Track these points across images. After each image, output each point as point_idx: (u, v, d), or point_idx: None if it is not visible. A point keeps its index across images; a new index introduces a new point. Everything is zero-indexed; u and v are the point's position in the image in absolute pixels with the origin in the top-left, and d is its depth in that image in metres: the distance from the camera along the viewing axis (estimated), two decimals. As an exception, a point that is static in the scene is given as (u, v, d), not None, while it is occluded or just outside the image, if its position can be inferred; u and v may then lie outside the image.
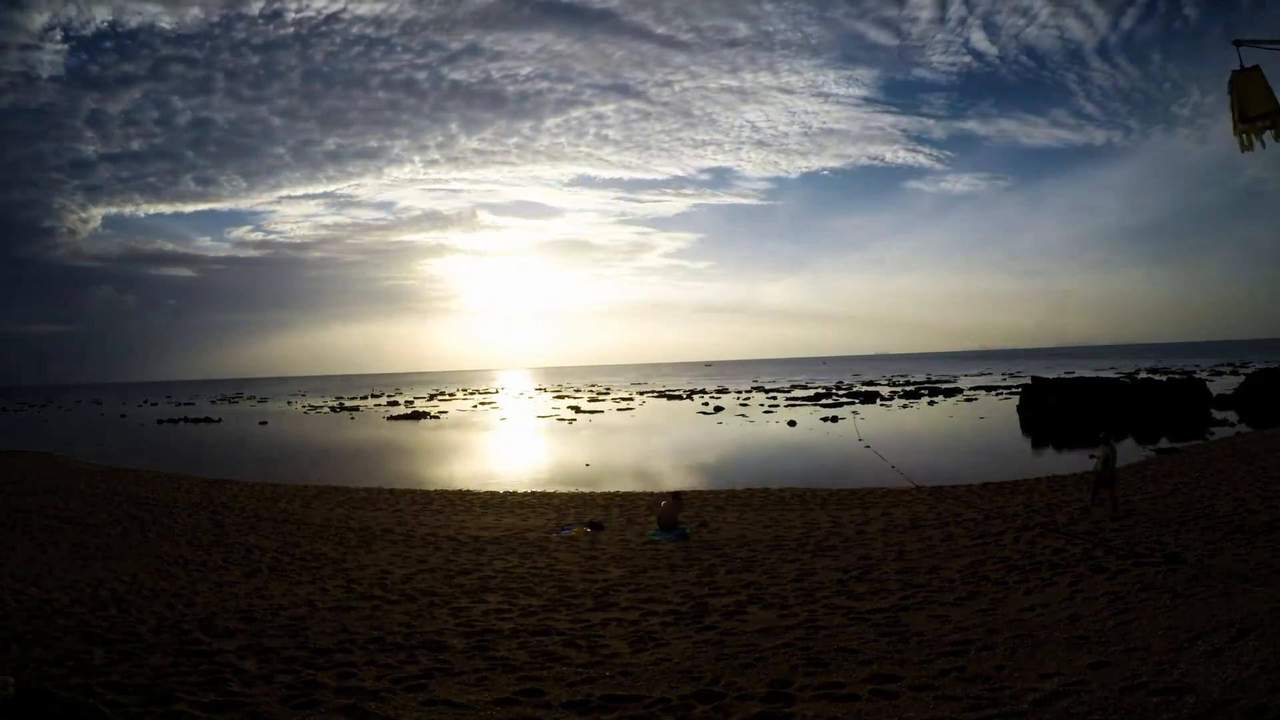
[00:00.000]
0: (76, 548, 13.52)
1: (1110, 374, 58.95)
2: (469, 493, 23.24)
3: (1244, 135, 5.26)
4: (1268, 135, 5.28)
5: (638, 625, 8.33)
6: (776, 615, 8.50)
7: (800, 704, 5.56)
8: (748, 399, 69.67)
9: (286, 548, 13.82)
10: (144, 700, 5.90)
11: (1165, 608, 7.15)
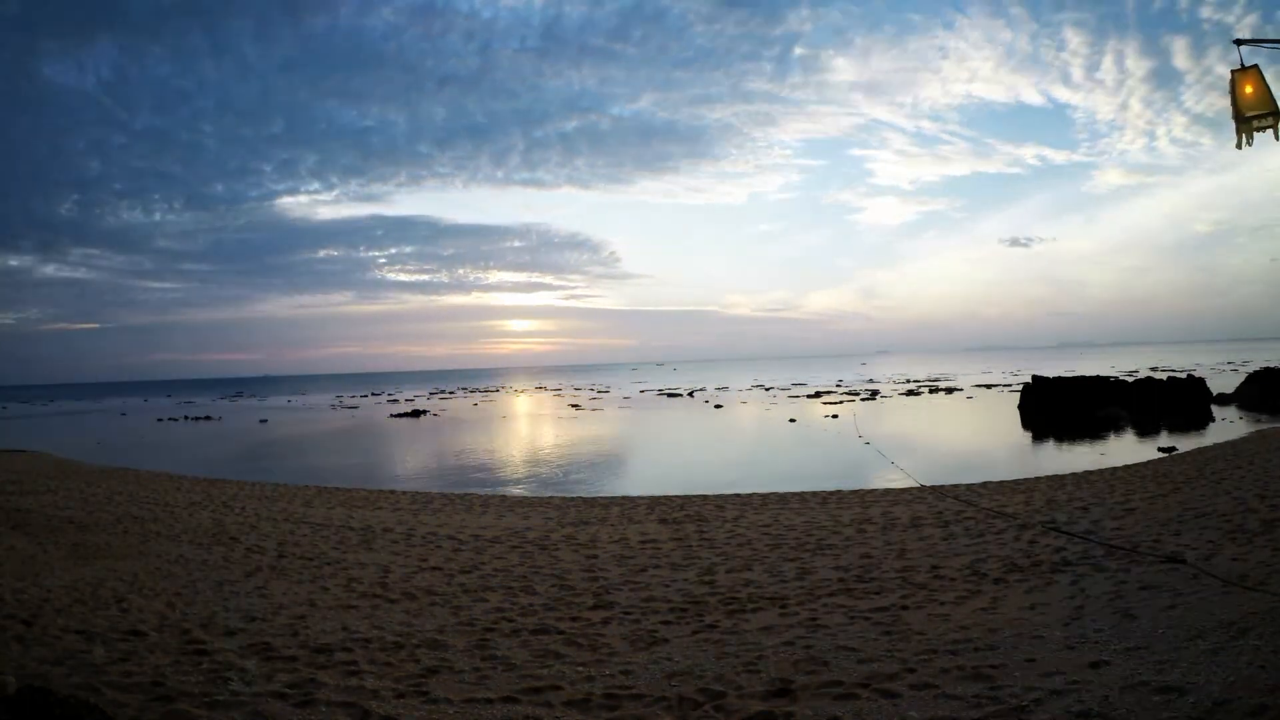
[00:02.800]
0: (76, 547, 13.52)
1: (1111, 372, 58.92)
2: (469, 493, 23.26)
3: (1242, 135, 5.27)
4: (1266, 135, 5.29)
5: (638, 624, 8.33)
6: (777, 614, 8.50)
7: (801, 702, 5.56)
8: (748, 396, 69.69)
9: (287, 547, 13.82)
10: (145, 698, 5.91)
11: (1165, 607, 7.15)
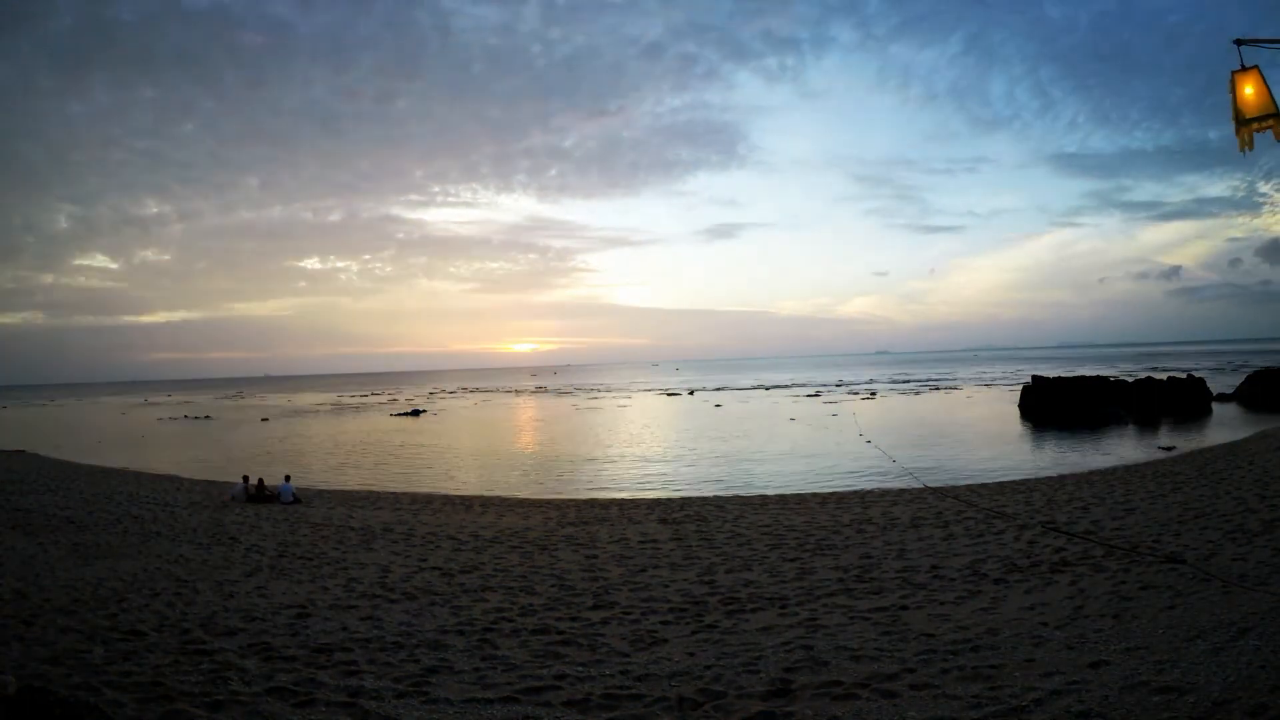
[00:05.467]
0: (77, 547, 13.52)
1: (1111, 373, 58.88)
2: (469, 493, 23.24)
3: (1243, 136, 5.22)
4: (1266, 136, 5.26)
5: (638, 624, 8.33)
6: (777, 614, 8.50)
7: (801, 702, 5.56)
8: (749, 396, 69.65)
9: (287, 546, 13.82)
10: (144, 698, 5.91)
11: (1165, 607, 7.16)
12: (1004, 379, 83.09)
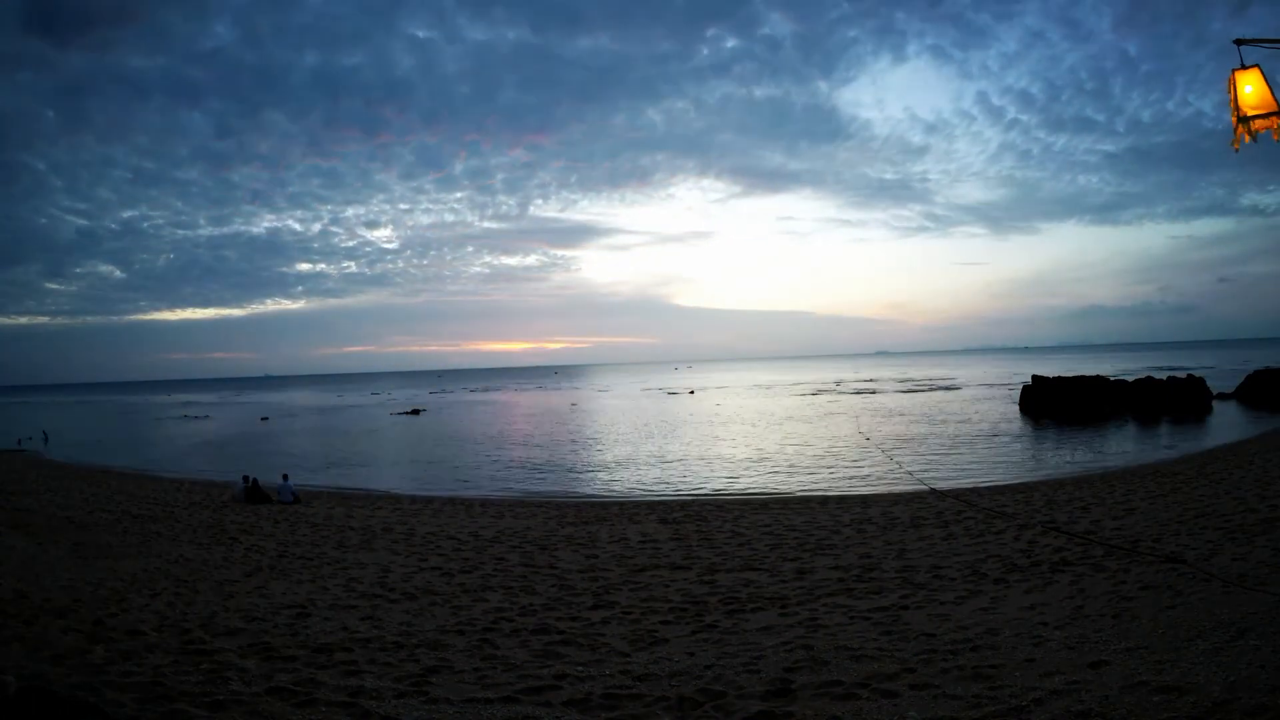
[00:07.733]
0: (77, 547, 13.52)
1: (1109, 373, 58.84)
2: (469, 492, 23.25)
3: (1241, 133, 5.24)
4: (1266, 135, 5.27)
5: (638, 624, 8.32)
6: (777, 614, 8.50)
7: (801, 702, 5.55)
8: (750, 395, 69.63)
9: (287, 547, 13.82)
10: (144, 698, 5.91)
11: (1165, 607, 7.15)
12: (1004, 379, 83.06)
